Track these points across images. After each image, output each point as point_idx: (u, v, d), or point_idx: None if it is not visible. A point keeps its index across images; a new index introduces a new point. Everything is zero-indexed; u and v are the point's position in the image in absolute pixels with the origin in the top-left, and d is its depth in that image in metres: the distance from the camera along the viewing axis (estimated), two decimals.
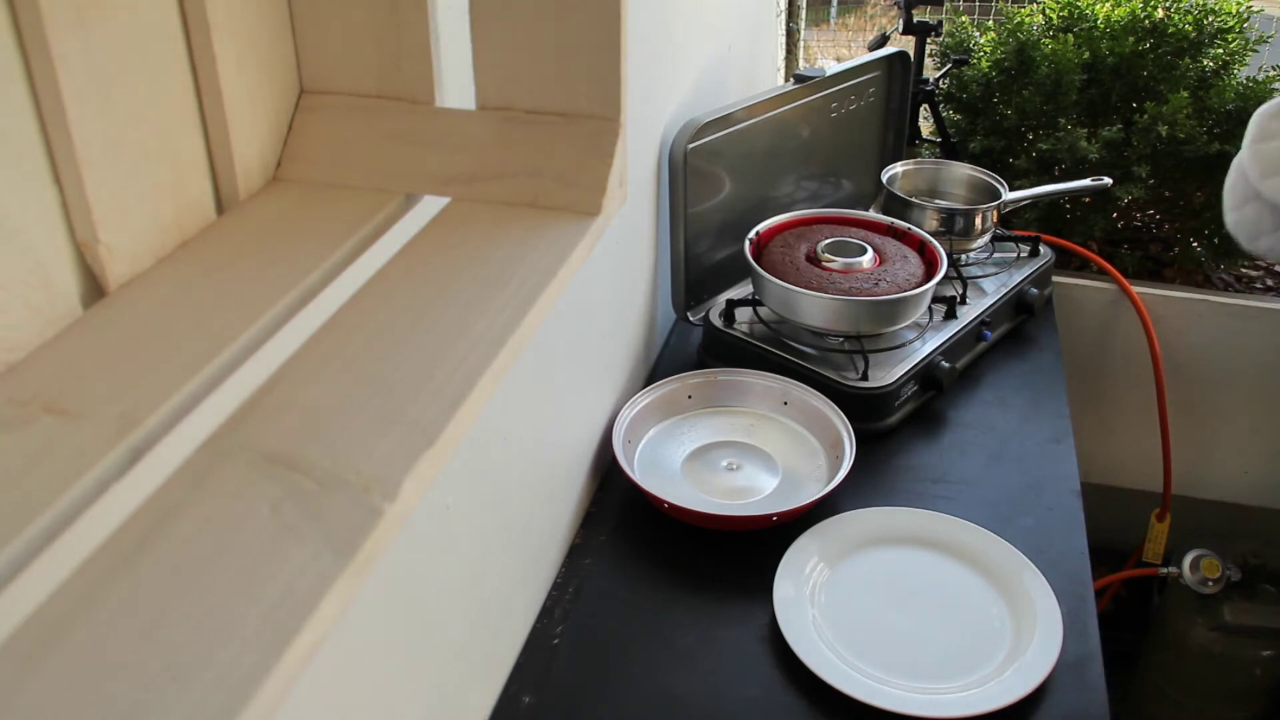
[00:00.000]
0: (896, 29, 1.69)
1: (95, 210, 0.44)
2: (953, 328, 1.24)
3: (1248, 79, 1.59)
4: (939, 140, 1.72)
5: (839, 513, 1.02)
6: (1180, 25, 1.62)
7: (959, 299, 1.28)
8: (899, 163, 1.50)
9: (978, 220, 1.39)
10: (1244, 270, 1.75)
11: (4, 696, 0.29)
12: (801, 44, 2.12)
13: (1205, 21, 1.62)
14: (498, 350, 0.44)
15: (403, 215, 0.55)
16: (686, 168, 1.17)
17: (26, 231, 0.42)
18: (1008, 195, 1.41)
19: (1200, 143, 1.56)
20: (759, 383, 1.16)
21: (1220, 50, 1.63)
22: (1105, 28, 1.65)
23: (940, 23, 1.68)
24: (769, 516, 0.99)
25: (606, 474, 1.10)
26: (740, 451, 1.11)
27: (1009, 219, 1.71)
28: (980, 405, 1.23)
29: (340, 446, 0.39)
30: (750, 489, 1.06)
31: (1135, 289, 1.62)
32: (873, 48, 1.59)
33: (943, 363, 1.20)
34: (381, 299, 0.48)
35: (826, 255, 1.21)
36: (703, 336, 1.28)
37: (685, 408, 1.16)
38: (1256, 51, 1.64)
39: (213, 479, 0.37)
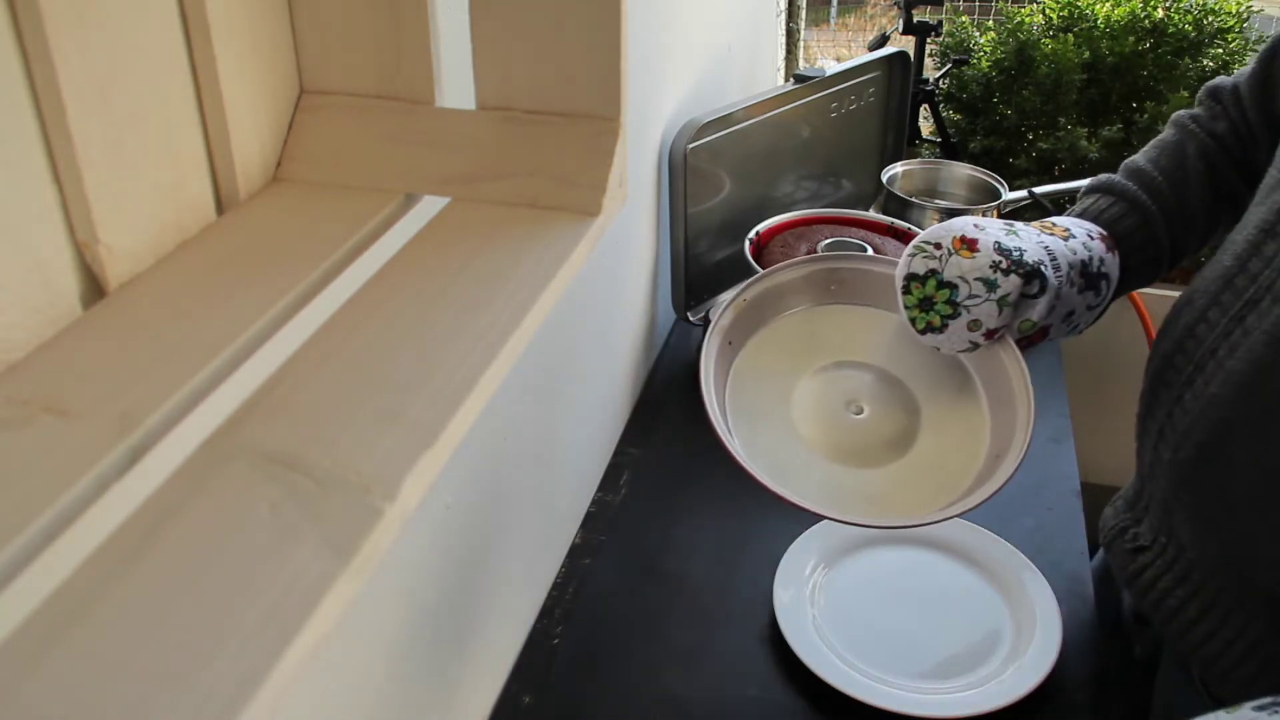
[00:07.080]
0: (896, 29, 1.69)
1: (95, 210, 0.44)
2: None
3: None
4: (939, 140, 1.72)
5: None
6: (1180, 25, 1.62)
7: None
8: (899, 163, 1.50)
9: None
10: None
11: (4, 696, 0.29)
12: (801, 44, 2.11)
13: (1205, 21, 1.62)
14: (498, 350, 0.44)
15: (403, 215, 0.55)
16: (686, 168, 1.17)
17: (26, 231, 0.42)
18: (1008, 195, 1.41)
19: None
20: None
21: (1220, 50, 1.63)
22: (1105, 28, 1.65)
23: (940, 23, 1.68)
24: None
25: (606, 473, 1.10)
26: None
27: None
28: None
29: (340, 446, 0.39)
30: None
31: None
32: (873, 48, 1.59)
33: None
34: (381, 299, 0.48)
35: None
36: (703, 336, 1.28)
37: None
38: (1256, 51, 1.63)
39: (213, 479, 0.37)
